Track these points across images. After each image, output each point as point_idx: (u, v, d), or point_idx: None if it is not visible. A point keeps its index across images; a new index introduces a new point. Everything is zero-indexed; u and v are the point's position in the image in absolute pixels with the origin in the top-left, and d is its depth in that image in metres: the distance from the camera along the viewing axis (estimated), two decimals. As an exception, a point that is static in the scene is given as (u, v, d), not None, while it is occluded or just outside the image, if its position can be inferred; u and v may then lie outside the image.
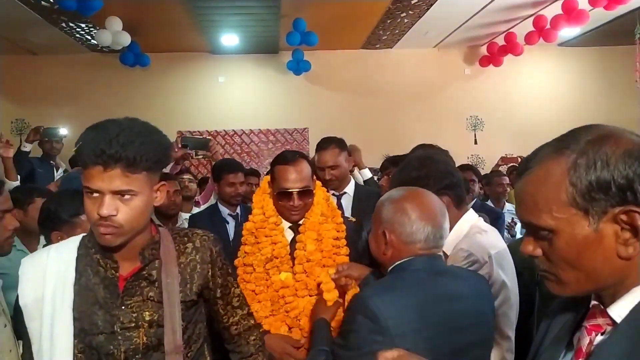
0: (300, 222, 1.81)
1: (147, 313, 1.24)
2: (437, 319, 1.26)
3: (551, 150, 0.80)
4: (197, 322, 1.36)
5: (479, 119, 8.48)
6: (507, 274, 1.58)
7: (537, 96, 8.48)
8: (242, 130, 8.14)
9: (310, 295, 1.73)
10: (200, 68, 8.04)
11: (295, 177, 1.74)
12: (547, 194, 0.77)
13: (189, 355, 1.31)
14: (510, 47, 7.35)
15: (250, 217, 1.88)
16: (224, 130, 8.08)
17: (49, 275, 1.24)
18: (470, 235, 1.62)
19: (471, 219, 1.69)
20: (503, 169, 6.62)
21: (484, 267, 1.54)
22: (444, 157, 1.82)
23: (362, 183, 3.53)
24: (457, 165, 2.03)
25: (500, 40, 7.66)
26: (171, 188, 2.99)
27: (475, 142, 8.45)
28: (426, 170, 1.64)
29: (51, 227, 1.69)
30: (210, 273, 1.35)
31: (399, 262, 1.36)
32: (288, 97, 8.15)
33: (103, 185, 1.14)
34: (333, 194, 2.55)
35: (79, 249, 1.28)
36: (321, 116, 8.10)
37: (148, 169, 1.18)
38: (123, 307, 1.23)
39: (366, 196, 2.47)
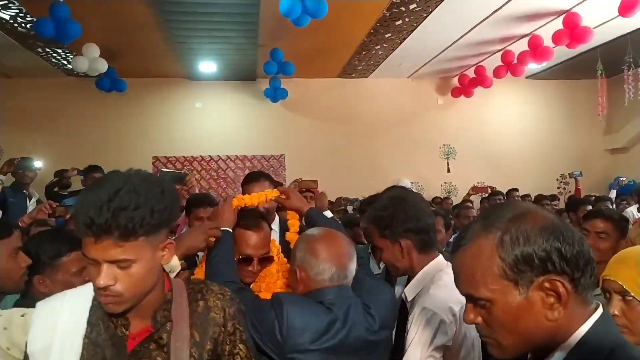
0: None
1: None
2: (333, 342, 1.42)
3: (480, 228, 0.90)
4: None
5: (451, 148, 8.71)
6: (471, 329, 1.56)
7: (507, 126, 8.78)
8: (218, 156, 8.17)
9: None
10: (178, 93, 8.08)
11: (256, 244, 1.70)
12: (481, 268, 0.87)
13: None
14: (480, 79, 7.64)
15: (196, 270, 1.75)
16: (201, 156, 8.10)
17: (60, 324, 1.15)
18: (432, 290, 1.61)
19: (438, 266, 1.67)
20: (475, 197, 6.80)
21: (451, 325, 1.55)
22: (417, 199, 1.78)
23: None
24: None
25: (470, 73, 7.95)
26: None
27: (449, 170, 8.65)
28: (392, 211, 1.68)
29: (33, 271, 1.61)
30: (221, 337, 1.22)
31: (312, 290, 1.51)
32: (265, 124, 8.24)
33: (97, 255, 1.05)
34: None
35: (94, 299, 1.17)
36: (298, 143, 8.21)
37: (146, 234, 1.06)
38: None
39: None
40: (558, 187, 8.59)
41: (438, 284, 1.59)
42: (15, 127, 7.52)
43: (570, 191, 8.06)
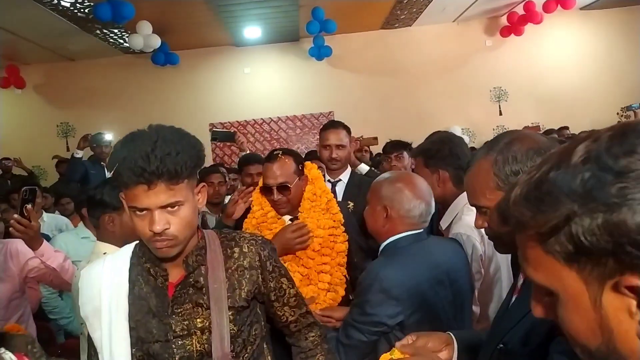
0: (297, 216, 1.96)
1: (198, 320, 1.24)
2: (426, 278, 1.53)
3: (482, 152, 1.12)
4: (253, 323, 1.34)
5: (502, 90, 8.52)
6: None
7: (561, 63, 8.43)
8: (270, 118, 8.47)
9: (310, 285, 1.87)
10: (226, 61, 8.37)
11: (273, 173, 1.90)
12: (481, 183, 1.09)
13: (244, 357, 1.30)
14: (530, 16, 7.36)
15: (249, 214, 2.02)
16: (253, 120, 8.43)
17: (105, 286, 1.26)
18: (464, 216, 1.82)
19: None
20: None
21: (481, 246, 1.77)
22: (461, 142, 2.07)
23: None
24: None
25: (519, 10, 7.65)
26: (216, 180, 3.51)
27: (500, 113, 8.51)
28: (438, 146, 1.99)
29: (99, 212, 1.85)
30: (260, 278, 1.31)
31: (389, 241, 1.59)
32: (312, 83, 8.40)
33: (150, 202, 1.12)
34: (328, 181, 2.62)
35: (131, 258, 1.29)
36: (345, 99, 8.33)
37: (188, 177, 1.17)
38: (174, 316, 1.24)
39: (359, 184, 2.57)
40: (619, 121, 8.25)
41: (469, 212, 1.78)
42: (84, 106, 8.15)
43: (633, 124, 7.73)
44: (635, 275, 0.47)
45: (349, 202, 2.30)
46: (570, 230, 0.49)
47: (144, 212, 1.13)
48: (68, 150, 8.08)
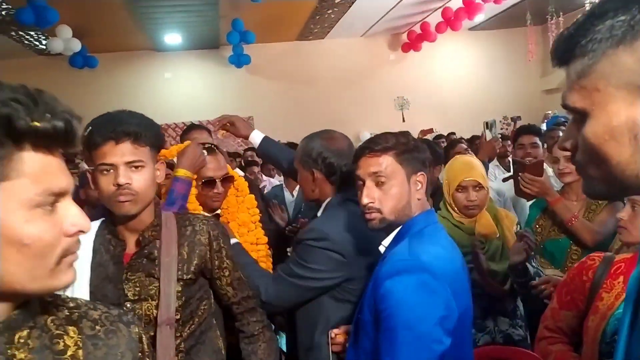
0: (219, 212, 1.92)
1: (149, 288, 1.37)
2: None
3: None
4: (203, 298, 1.47)
5: (405, 99, 9.50)
6: None
7: (453, 75, 9.60)
8: (191, 122, 8.70)
9: None
10: (147, 66, 8.55)
11: (215, 166, 1.83)
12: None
13: (191, 327, 1.43)
14: (425, 35, 8.35)
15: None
16: (174, 123, 8.65)
17: None
18: None
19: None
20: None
21: None
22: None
23: None
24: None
25: (417, 29, 8.64)
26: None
27: (404, 120, 9.45)
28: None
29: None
30: (208, 255, 1.45)
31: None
32: (232, 89, 8.81)
33: (116, 158, 1.27)
34: None
35: (97, 230, 1.41)
36: (264, 105, 8.83)
37: (151, 145, 1.34)
38: (127, 282, 1.37)
39: None
40: (502, 128, 9.54)
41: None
42: (-7, 108, 7.89)
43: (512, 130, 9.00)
44: (422, 173, 1.28)
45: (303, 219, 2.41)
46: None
47: (110, 170, 1.28)
48: (-24, 153, 7.79)
